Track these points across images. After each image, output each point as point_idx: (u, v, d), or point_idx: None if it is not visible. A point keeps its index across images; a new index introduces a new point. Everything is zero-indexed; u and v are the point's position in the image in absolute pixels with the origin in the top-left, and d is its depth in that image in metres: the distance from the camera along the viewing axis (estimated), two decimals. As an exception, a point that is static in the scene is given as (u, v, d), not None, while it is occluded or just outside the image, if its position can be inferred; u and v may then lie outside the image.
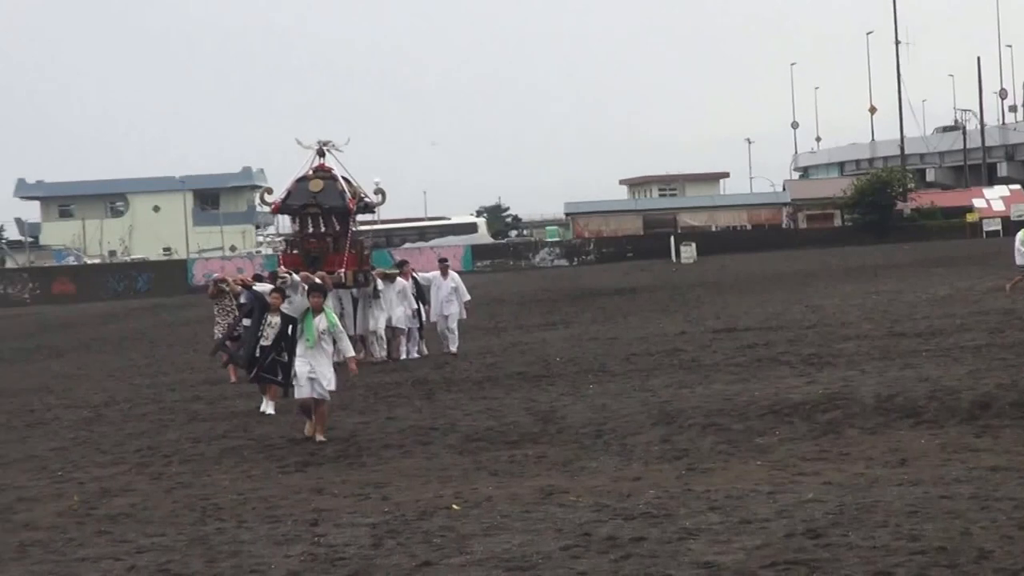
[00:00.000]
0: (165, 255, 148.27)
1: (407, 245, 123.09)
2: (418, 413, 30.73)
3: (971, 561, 14.25)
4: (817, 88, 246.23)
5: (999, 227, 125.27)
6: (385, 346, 42.60)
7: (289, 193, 44.63)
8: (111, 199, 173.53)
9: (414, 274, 44.44)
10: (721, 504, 18.51)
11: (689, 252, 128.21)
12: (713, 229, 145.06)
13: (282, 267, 38.39)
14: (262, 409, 26.72)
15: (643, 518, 17.96)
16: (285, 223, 46.01)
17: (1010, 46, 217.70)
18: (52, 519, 21.17)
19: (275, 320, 26.00)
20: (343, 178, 43.92)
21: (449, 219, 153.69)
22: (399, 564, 16.05)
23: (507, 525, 18.06)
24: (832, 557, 14.79)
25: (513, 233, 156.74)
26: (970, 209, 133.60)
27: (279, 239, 37.93)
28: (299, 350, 23.79)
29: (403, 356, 42.57)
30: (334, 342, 24.45)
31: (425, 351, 44.48)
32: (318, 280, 38.63)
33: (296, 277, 37.35)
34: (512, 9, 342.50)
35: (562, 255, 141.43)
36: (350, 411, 30.85)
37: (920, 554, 14.65)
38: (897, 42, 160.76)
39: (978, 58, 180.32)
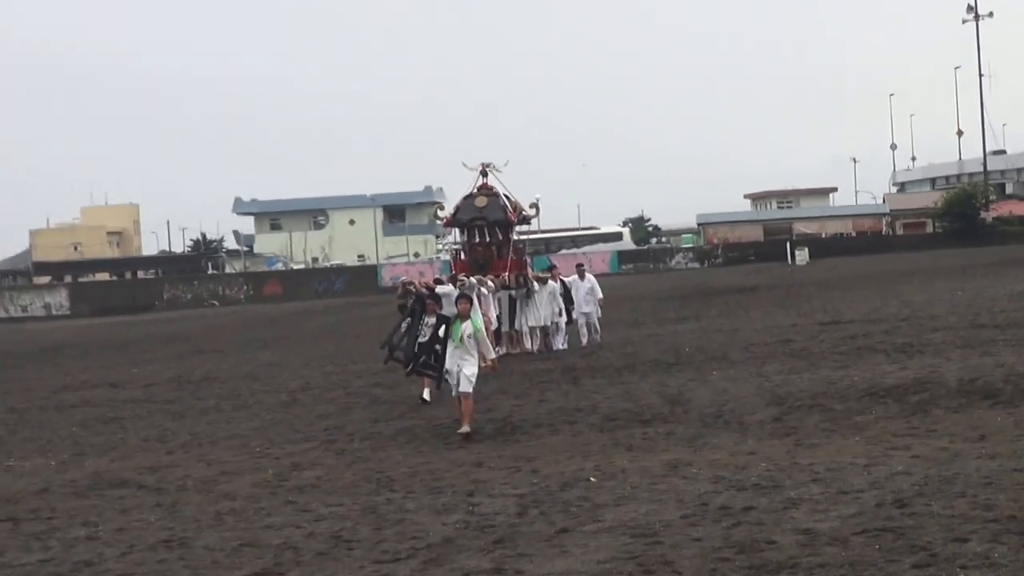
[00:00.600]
0: (359, 261, 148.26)
1: (563, 251, 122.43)
2: (565, 396, 30.63)
3: None
4: (913, 115, 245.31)
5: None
6: (539, 339, 42.14)
7: (458, 209, 45.12)
8: (314, 214, 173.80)
9: (561, 277, 43.87)
10: (822, 476, 18.43)
11: (803, 256, 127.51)
12: (823, 236, 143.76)
13: (461, 274, 39.74)
14: (424, 397, 26.65)
15: (754, 489, 17.87)
16: (457, 233, 44.81)
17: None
18: (248, 490, 21.43)
19: (431, 320, 25.63)
20: (504, 195, 44.31)
21: (599, 229, 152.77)
22: (540, 531, 16.15)
23: (636, 495, 18.15)
24: (916, 525, 14.78)
25: (653, 241, 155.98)
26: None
27: (455, 247, 37.26)
28: (449, 349, 23.73)
29: (555, 348, 42.03)
30: (478, 344, 24.06)
31: (565, 345, 43.67)
32: (490, 284, 38.87)
33: (473, 280, 37.71)
34: (635, 49, 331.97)
35: (694, 259, 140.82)
36: (507, 395, 31.12)
37: (993, 522, 14.35)
38: (980, 75, 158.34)
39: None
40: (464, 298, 25.57)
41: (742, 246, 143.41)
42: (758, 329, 46.26)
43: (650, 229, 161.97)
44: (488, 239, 44.57)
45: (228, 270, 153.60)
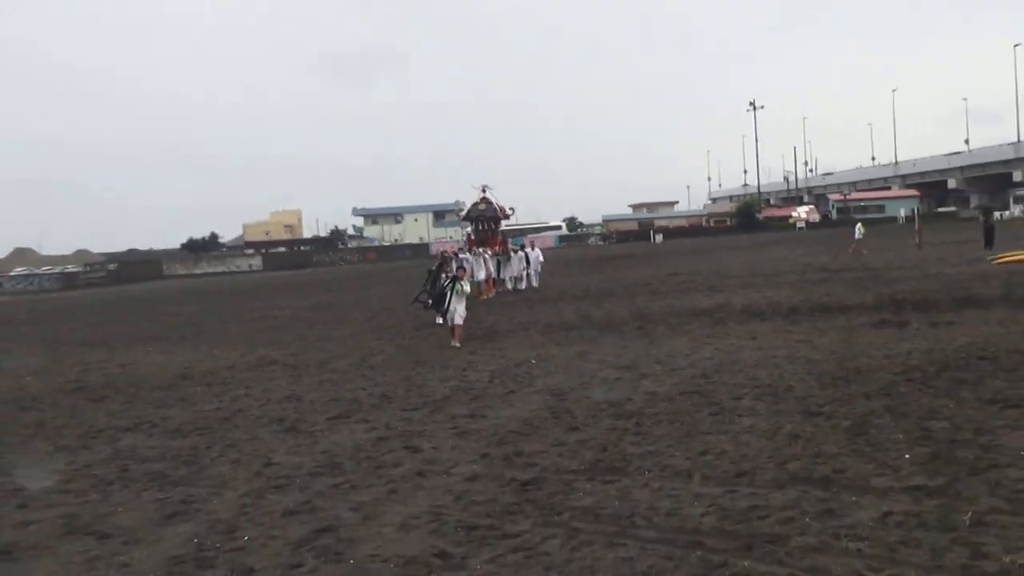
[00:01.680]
0: (419, 241, 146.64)
1: (531, 236, 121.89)
2: (524, 314, 29.82)
3: (782, 391, 13.12)
4: (719, 161, 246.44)
5: (804, 225, 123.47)
6: (513, 284, 41.59)
7: (470, 209, 46.68)
8: (395, 215, 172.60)
9: (524, 249, 43.31)
10: (663, 360, 17.66)
11: (659, 238, 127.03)
12: (671, 228, 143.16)
13: (465, 250, 39.36)
14: (438, 321, 25.85)
15: (622, 368, 17.14)
16: (469, 224, 45.95)
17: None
18: (343, 367, 20.49)
19: (447, 282, 24.63)
20: (494, 202, 45.71)
21: (549, 223, 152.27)
22: (498, 392, 15.57)
23: (556, 371, 17.46)
24: (713, 389, 14.22)
25: (579, 229, 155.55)
26: (790, 217, 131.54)
27: (468, 232, 38.76)
28: (451, 297, 23.36)
29: (521, 287, 41.55)
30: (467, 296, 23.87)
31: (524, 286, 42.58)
32: (488, 253, 39.11)
33: (477, 252, 38.04)
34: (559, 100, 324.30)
35: (601, 240, 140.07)
36: (492, 314, 30.33)
37: (757, 388, 13.64)
38: (756, 139, 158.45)
39: (795, 147, 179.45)
40: (462, 269, 25.17)
41: (627, 233, 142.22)
42: (633, 277, 45.38)
43: (578, 223, 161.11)
44: (486, 227, 45.61)
45: (349, 246, 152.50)
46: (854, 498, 8.27)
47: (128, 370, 23.15)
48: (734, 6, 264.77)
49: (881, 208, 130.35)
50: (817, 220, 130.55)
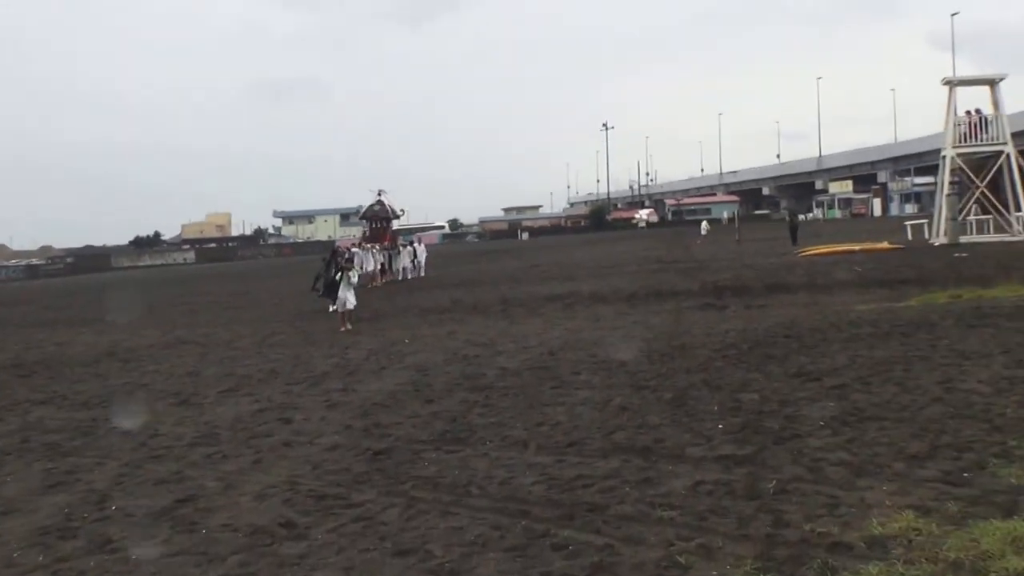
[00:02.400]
0: (328, 239, 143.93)
1: (419, 234, 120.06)
2: (405, 300, 28.85)
3: (616, 367, 12.51)
4: (578, 171, 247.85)
5: (645, 225, 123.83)
6: (404, 274, 40.45)
7: (365, 210, 45.64)
8: (309, 216, 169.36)
9: (413, 244, 42.85)
10: (516, 338, 16.91)
11: (526, 235, 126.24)
12: (536, 227, 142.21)
13: (353, 246, 37.60)
14: (331, 309, 23.47)
15: (482, 346, 16.34)
16: (366, 223, 44.86)
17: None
18: (245, 345, 19.50)
19: (336, 273, 23.35)
20: (387, 204, 44.23)
21: (435, 223, 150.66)
22: (371, 368, 14.70)
23: (424, 350, 16.53)
24: (556, 365, 13.57)
25: (460, 228, 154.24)
26: (634, 218, 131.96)
27: (365, 229, 37.98)
28: (341, 285, 22.02)
29: (409, 277, 40.25)
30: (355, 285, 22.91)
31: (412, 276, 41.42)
32: (377, 248, 37.85)
33: (365, 247, 36.76)
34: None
35: (477, 238, 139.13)
36: (380, 300, 29.17)
37: (594, 364, 12.93)
38: (607, 156, 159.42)
39: (638, 161, 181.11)
40: (349, 260, 24.50)
41: (499, 232, 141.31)
42: (500, 269, 44.47)
43: (459, 224, 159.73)
44: (379, 225, 44.05)
45: (270, 243, 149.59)
46: (670, 467, 7.47)
47: (63, 348, 21.95)
48: (588, 43, 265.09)
49: (708, 211, 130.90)
50: (656, 221, 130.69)
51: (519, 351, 15.12)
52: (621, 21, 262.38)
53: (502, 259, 57.69)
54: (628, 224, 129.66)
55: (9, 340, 25.15)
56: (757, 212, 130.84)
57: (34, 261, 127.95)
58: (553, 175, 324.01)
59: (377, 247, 39.64)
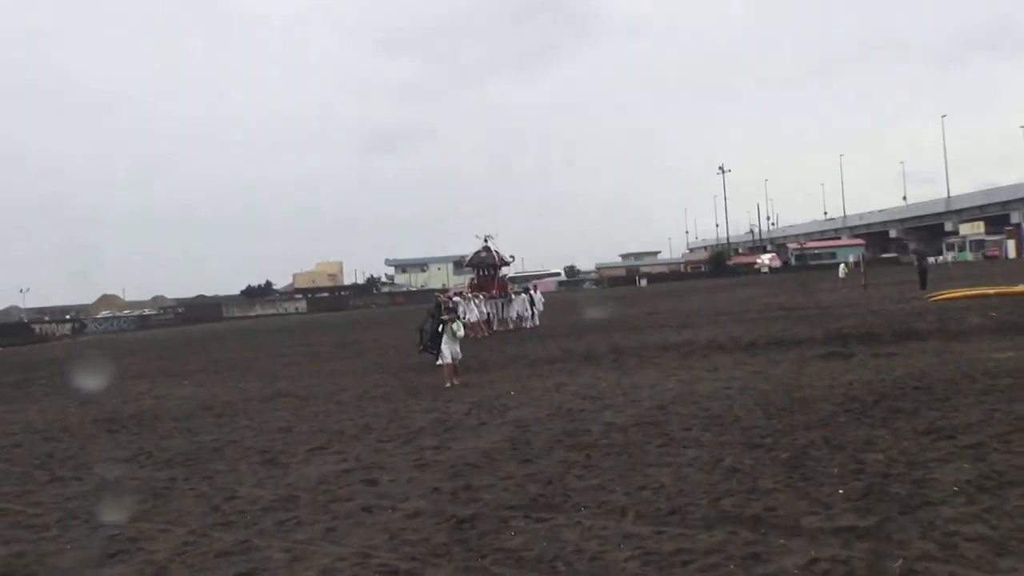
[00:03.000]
0: (442, 287, 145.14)
1: (535, 280, 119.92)
2: (515, 350, 28.38)
3: (730, 422, 11.84)
4: (696, 218, 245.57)
5: (767, 270, 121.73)
6: (515, 322, 40.02)
7: (471, 257, 44.16)
8: (421, 265, 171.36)
9: (530, 291, 42.42)
10: (628, 391, 16.38)
11: (644, 282, 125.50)
12: (654, 273, 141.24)
13: (455, 295, 37.20)
14: (438, 363, 21.28)
15: (590, 399, 15.78)
16: (472, 270, 44.39)
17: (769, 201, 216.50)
18: (347, 399, 19.17)
19: (438, 325, 22.31)
20: (494, 251, 43.23)
21: (550, 270, 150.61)
22: (471, 423, 14.13)
23: (529, 403, 16.12)
24: (666, 420, 12.98)
25: (578, 275, 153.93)
26: (755, 263, 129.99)
27: (472, 277, 37.67)
28: (444, 339, 20.77)
29: (525, 326, 39.67)
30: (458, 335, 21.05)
31: (529, 325, 40.45)
32: (481, 296, 37.23)
33: (465, 296, 36.21)
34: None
35: (594, 284, 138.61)
36: (488, 349, 28.94)
37: (707, 419, 12.26)
38: (725, 199, 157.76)
39: (758, 204, 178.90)
40: (452, 311, 22.86)
41: (616, 278, 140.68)
42: (615, 316, 44.00)
43: (577, 270, 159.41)
44: (486, 273, 43.32)
45: (383, 291, 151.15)
46: (782, 541, 6.86)
47: (160, 402, 21.99)
48: (704, 86, 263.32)
49: (832, 255, 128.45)
50: (778, 266, 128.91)
51: (628, 405, 14.57)
52: (737, 63, 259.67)
53: (618, 306, 57.12)
54: (750, 269, 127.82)
55: (110, 393, 25.30)
56: (884, 255, 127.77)
57: (147, 311, 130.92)
58: (671, 220, 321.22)
59: (482, 296, 39.03)
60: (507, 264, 45.27)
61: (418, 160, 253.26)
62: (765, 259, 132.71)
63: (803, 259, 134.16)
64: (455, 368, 20.77)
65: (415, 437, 13.29)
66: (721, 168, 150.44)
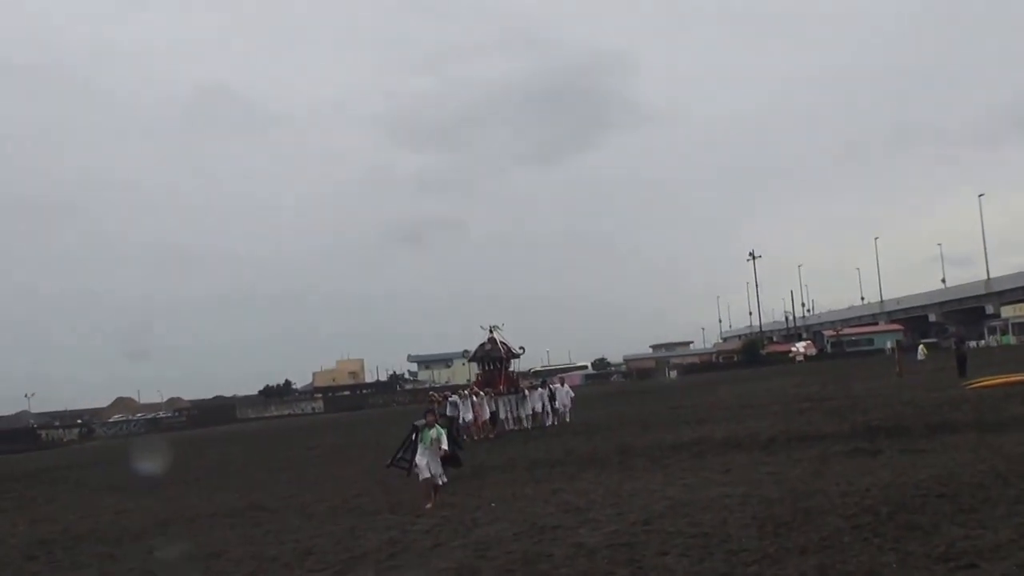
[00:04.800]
0: (467, 382, 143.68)
1: (561, 375, 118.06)
2: (516, 451, 26.86)
3: (716, 543, 10.45)
4: (729, 305, 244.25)
5: (802, 358, 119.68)
6: (530, 420, 37.30)
7: (475, 350, 41.48)
8: (445, 360, 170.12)
9: (550, 386, 40.19)
10: (621, 500, 15.08)
11: (674, 374, 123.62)
12: (685, 364, 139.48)
13: (450, 393, 36.03)
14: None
15: (572, 512, 14.38)
16: (476, 364, 42.52)
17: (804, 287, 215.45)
18: (320, 511, 17.73)
19: (411, 432, 19.05)
20: (501, 342, 40.48)
21: (577, 364, 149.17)
22: (425, 545, 12.99)
23: (504, 517, 14.38)
24: (644, 540, 11.67)
25: (609, 367, 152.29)
26: (790, 351, 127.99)
27: (476, 372, 36.18)
28: (419, 449, 17.51)
29: (545, 424, 37.24)
30: (441, 446, 17.40)
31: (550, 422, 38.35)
32: (481, 393, 35.19)
33: (458, 399, 34.01)
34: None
35: (623, 377, 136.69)
36: (487, 450, 27.43)
37: (692, 537, 11.08)
38: (756, 285, 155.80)
39: (791, 291, 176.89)
40: (430, 412, 18.60)
41: (645, 370, 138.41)
42: (635, 411, 42.51)
43: (606, 363, 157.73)
44: (492, 367, 40.69)
45: (406, 388, 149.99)
46: None
47: (119, 517, 20.81)
48: (731, 174, 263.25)
49: (870, 341, 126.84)
50: (814, 354, 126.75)
51: (612, 519, 13.06)
52: (765, 151, 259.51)
53: (641, 400, 55.38)
54: (784, 358, 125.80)
55: (73, 507, 24.39)
56: (924, 340, 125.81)
57: (161, 414, 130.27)
58: (703, 309, 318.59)
59: (487, 393, 36.72)
60: (516, 356, 42.81)
61: (440, 253, 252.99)
62: (800, 347, 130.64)
63: (840, 346, 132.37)
64: (436, 487, 17.62)
65: (355, 565, 11.82)
66: (751, 254, 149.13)
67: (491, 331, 41.14)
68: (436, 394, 35.93)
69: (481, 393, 35.95)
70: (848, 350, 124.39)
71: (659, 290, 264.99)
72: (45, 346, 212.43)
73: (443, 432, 17.91)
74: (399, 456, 19.95)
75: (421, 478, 17.38)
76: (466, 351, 43.13)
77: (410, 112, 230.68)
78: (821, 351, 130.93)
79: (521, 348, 42.69)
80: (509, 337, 42.30)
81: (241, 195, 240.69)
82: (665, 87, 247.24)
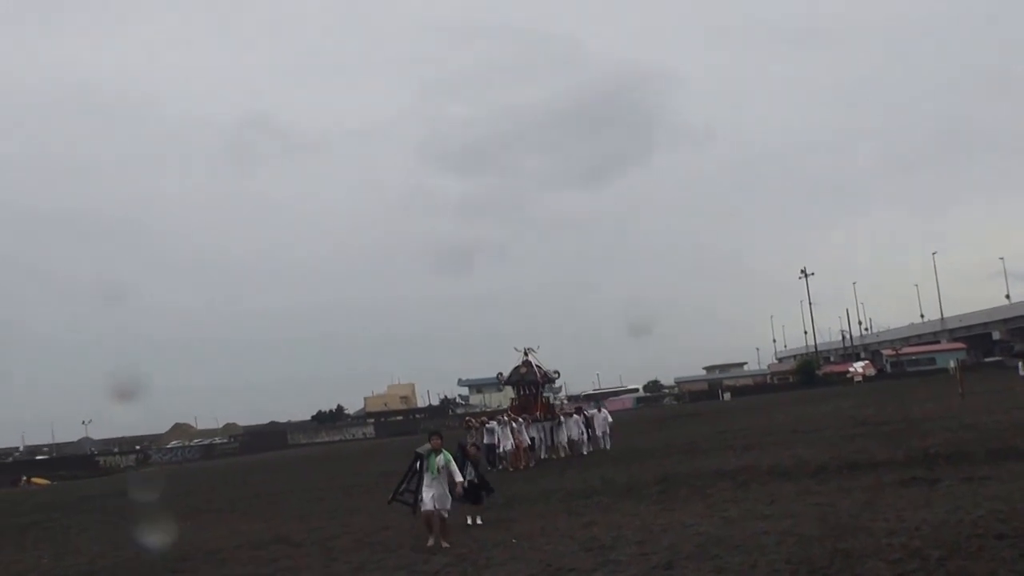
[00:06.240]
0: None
1: (610, 398, 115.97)
2: (552, 481, 25.92)
3: None
4: (784, 325, 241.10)
5: (861, 379, 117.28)
6: (566, 449, 36.08)
7: (510, 374, 40.03)
8: (497, 384, 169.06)
9: (585, 412, 38.70)
10: (652, 536, 14.09)
11: (727, 396, 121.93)
12: (738, 385, 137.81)
13: (474, 419, 35.67)
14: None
15: (596, 551, 13.50)
16: (510, 389, 41.95)
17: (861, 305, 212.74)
18: (343, 544, 17.03)
19: (415, 460, 16.67)
20: (536, 366, 38.95)
21: (627, 387, 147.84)
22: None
23: (523, 556, 13.70)
24: None
25: (663, 391, 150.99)
26: (848, 371, 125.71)
27: (511, 397, 34.93)
28: (426, 479, 15.69)
29: (582, 452, 35.97)
30: (451, 473, 15.71)
31: (590, 449, 37.27)
32: (519, 420, 33.96)
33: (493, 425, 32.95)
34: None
35: (674, 400, 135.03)
36: (523, 480, 26.83)
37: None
38: (811, 303, 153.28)
39: (847, 309, 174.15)
40: (436, 435, 16.37)
41: (698, 392, 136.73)
42: (682, 436, 41.37)
43: (660, 385, 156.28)
44: (527, 392, 39.39)
45: (457, 412, 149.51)
46: None
47: (140, 551, 20.08)
48: (781, 192, 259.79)
49: (931, 360, 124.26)
50: (873, 374, 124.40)
51: (634, 560, 12.12)
52: (815, 165, 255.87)
53: (690, 424, 54.31)
54: (842, 379, 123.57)
55: (102, 539, 23.95)
56: (988, 359, 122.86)
57: (217, 440, 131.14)
58: (759, 329, 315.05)
59: (524, 419, 35.07)
60: (551, 381, 42.11)
61: (489, 275, 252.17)
62: (858, 367, 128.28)
63: (899, 366, 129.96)
64: (441, 520, 15.77)
65: None
66: (803, 271, 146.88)
67: (525, 354, 39.82)
68: (473, 419, 34.77)
69: (520, 419, 34.52)
70: (908, 370, 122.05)
71: (711, 311, 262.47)
72: (104, 372, 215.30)
73: (451, 458, 16.10)
74: (402, 489, 17.46)
75: (423, 510, 15.80)
76: (499, 374, 41.61)
77: (450, 137, 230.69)
78: (880, 371, 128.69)
79: (556, 372, 41.55)
80: (551, 361, 41.21)
81: (287, 220, 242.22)
82: (710, 104, 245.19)
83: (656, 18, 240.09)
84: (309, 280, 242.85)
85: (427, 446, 16.16)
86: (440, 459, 15.79)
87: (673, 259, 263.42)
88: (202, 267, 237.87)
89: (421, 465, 16.09)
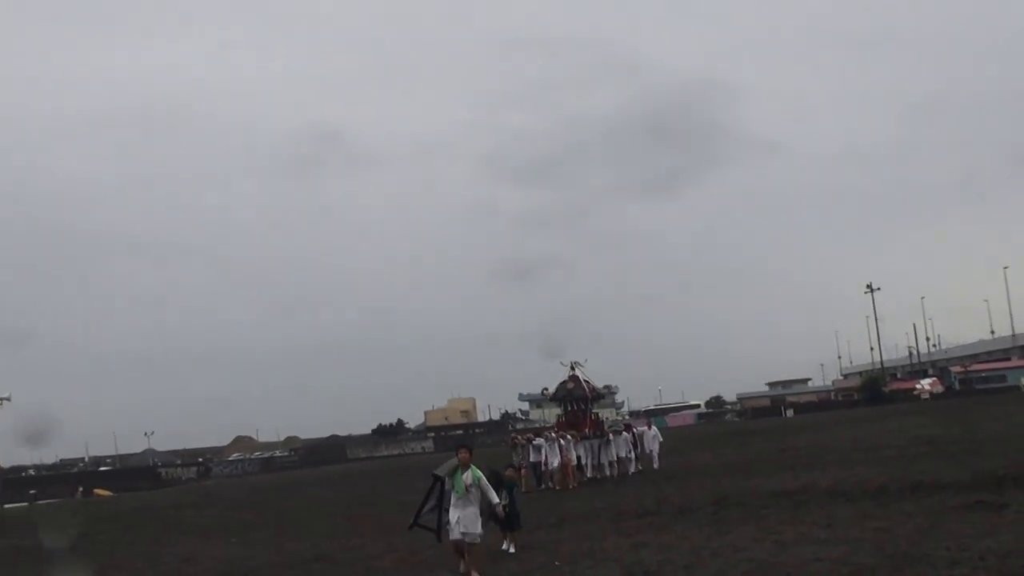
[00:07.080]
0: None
1: (671, 414, 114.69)
2: (603, 500, 25.37)
3: None
4: (848, 340, 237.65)
5: (928, 396, 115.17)
6: (614, 467, 34.77)
7: (556, 389, 38.16)
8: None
9: (634, 430, 37.26)
10: (700, 561, 13.57)
11: (790, 412, 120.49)
12: (801, 402, 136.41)
13: (520, 436, 34.89)
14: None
15: (667, 572, 12.77)
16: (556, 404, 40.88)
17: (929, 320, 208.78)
18: (385, 565, 16.74)
19: (436, 480, 14.72)
20: (584, 380, 37.08)
21: (689, 402, 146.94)
22: None
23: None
24: None
25: (725, 407, 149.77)
26: (915, 388, 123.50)
27: (558, 413, 33.77)
28: (452, 500, 14.07)
29: (629, 472, 34.84)
30: (482, 491, 14.18)
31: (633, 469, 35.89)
32: (568, 436, 32.95)
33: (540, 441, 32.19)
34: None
35: (736, 416, 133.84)
36: (574, 498, 26.32)
37: None
38: (876, 319, 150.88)
39: (914, 325, 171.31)
40: (464, 448, 14.58)
41: (760, 409, 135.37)
42: (742, 454, 40.53)
43: (722, 401, 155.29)
44: (575, 408, 37.62)
45: (517, 427, 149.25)
46: None
47: (184, 566, 20.31)
48: (847, 205, 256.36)
49: (1002, 378, 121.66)
50: (941, 391, 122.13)
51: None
52: (882, 179, 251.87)
53: (751, 441, 53.04)
54: (908, 396, 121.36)
55: (147, 554, 23.80)
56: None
57: (278, 453, 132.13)
58: (824, 345, 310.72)
59: (572, 436, 33.43)
60: (601, 397, 40.68)
61: (549, 288, 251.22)
62: (925, 384, 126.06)
63: (968, 383, 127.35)
64: (469, 547, 14.23)
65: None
66: (869, 287, 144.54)
67: (572, 368, 38.11)
68: (519, 436, 33.99)
69: (568, 436, 33.13)
70: (977, 387, 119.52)
71: (775, 325, 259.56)
72: (167, 383, 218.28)
73: (481, 475, 14.35)
74: (424, 510, 15.01)
75: (451, 537, 14.18)
76: (544, 389, 40.44)
77: (514, 148, 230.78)
78: (948, 388, 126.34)
79: (607, 387, 40.57)
80: (612, 375, 40.63)
81: (347, 230, 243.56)
82: (776, 115, 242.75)
83: (720, 28, 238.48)
84: (371, 293, 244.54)
85: (453, 462, 14.48)
86: (468, 476, 14.15)
87: (737, 272, 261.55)
88: (264, 280, 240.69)
89: (442, 487, 14.44)
